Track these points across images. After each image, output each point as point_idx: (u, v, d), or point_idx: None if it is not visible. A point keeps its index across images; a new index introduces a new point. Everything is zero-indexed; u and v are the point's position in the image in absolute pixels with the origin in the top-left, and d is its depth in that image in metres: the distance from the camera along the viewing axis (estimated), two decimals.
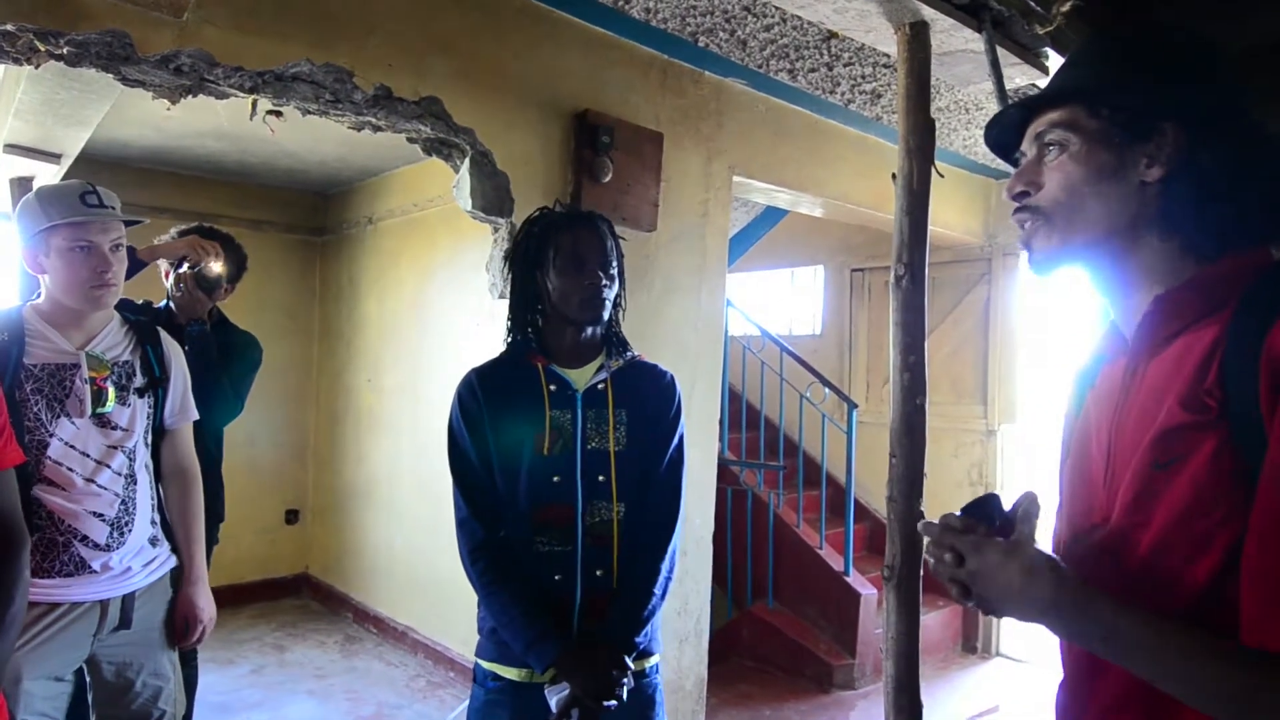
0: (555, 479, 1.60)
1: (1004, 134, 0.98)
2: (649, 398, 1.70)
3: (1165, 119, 0.83)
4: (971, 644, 4.76)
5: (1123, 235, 0.86)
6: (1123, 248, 0.86)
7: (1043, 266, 0.92)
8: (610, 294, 1.66)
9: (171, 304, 2.51)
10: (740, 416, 4.96)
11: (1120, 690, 0.82)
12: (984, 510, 0.87)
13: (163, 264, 2.59)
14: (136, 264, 2.40)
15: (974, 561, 0.82)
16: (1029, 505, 0.84)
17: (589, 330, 1.67)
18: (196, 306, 2.48)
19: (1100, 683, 0.85)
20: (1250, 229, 0.82)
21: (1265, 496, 0.70)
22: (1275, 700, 0.67)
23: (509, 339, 1.70)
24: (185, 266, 2.49)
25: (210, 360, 2.44)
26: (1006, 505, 0.88)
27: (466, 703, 1.75)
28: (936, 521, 0.88)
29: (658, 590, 1.62)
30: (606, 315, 1.67)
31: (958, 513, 0.89)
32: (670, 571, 1.66)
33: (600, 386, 1.66)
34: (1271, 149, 0.83)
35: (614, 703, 1.50)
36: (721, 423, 3.88)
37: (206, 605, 1.95)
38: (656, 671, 1.70)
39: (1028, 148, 0.92)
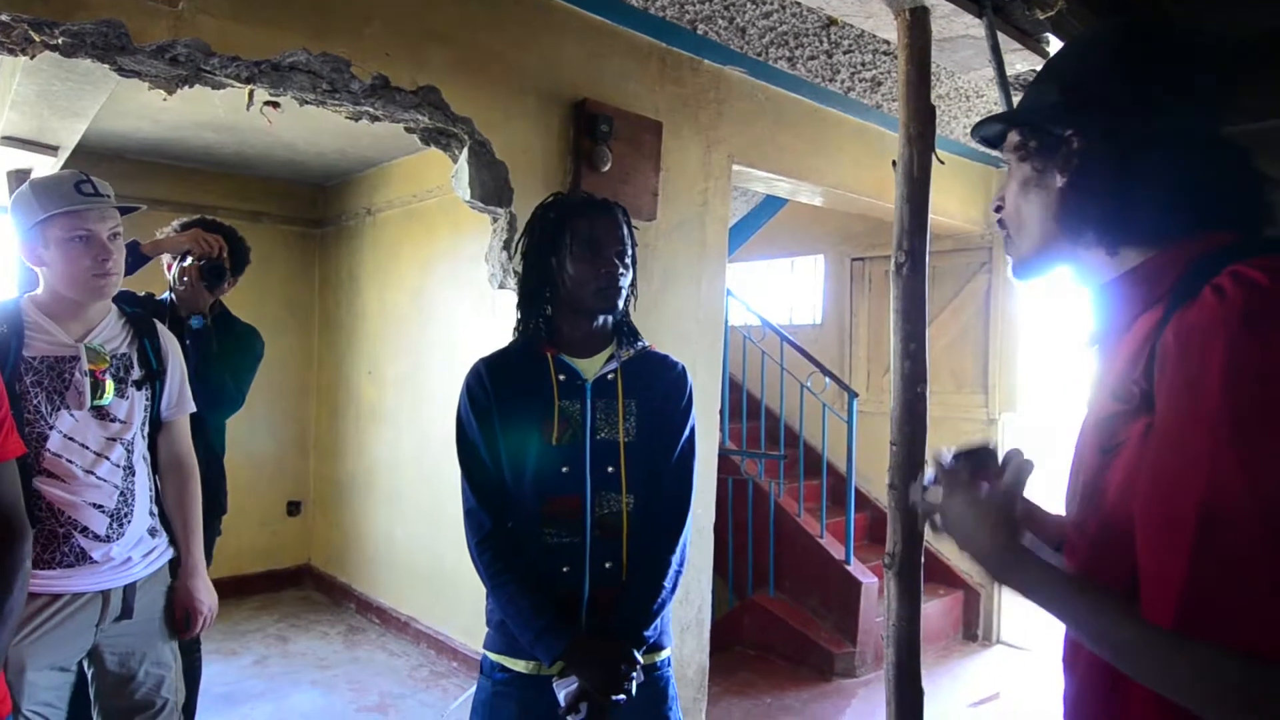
0: (564, 470, 1.57)
1: (991, 140, 1.04)
2: (659, 388, 1.67)
3: (1063, 127, 0.89)
4: (972, 631, 4.78)
5: (1058, 243, 0.93)
6: (1066, 254, 0.93)
7: (1018, 273, 1.01)
8: (626, 282, 1.63)
9: (173, 296, 2.51)
10: (741, 406, 4.96)
11: (1088, 660, 0.85)
12: (976, 458, 0.96)
13: (165, 257, 2.58)
14: (140, 258, 2.40)
15: (945, 500, 0.92)
16: (1018, 463, 0.90)
17: (601, 319, 1.64)
18: (199, 300, 2.47)
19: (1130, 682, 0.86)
20: (1180, 222, 0.84)
21: (1143, 478, 0.75)
22: (1175, 671, 0.70)
23: (519, 327, 1.67)
24: (189, 260, 2.48)
25: (210, 354, 2.42)
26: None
27: (467, 693, 1.74)
28: (943, 451, 0.98)
29: (668, 583, 1.59)
30: (621, 304, 1.64)
31: (954, 454, 0.98)
32: (680, 564, 1.63)
33: (610, 376, 1.63)
34: (1168, 149, 0.86)
35: (623, 697, 1.48)
36: (722, 412, 3.89)
37: (206, 596, 1.95)
38: (668, 665, 1.68)
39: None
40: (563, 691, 1.49)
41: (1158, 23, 0.92)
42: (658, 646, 1.63)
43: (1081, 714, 0.90)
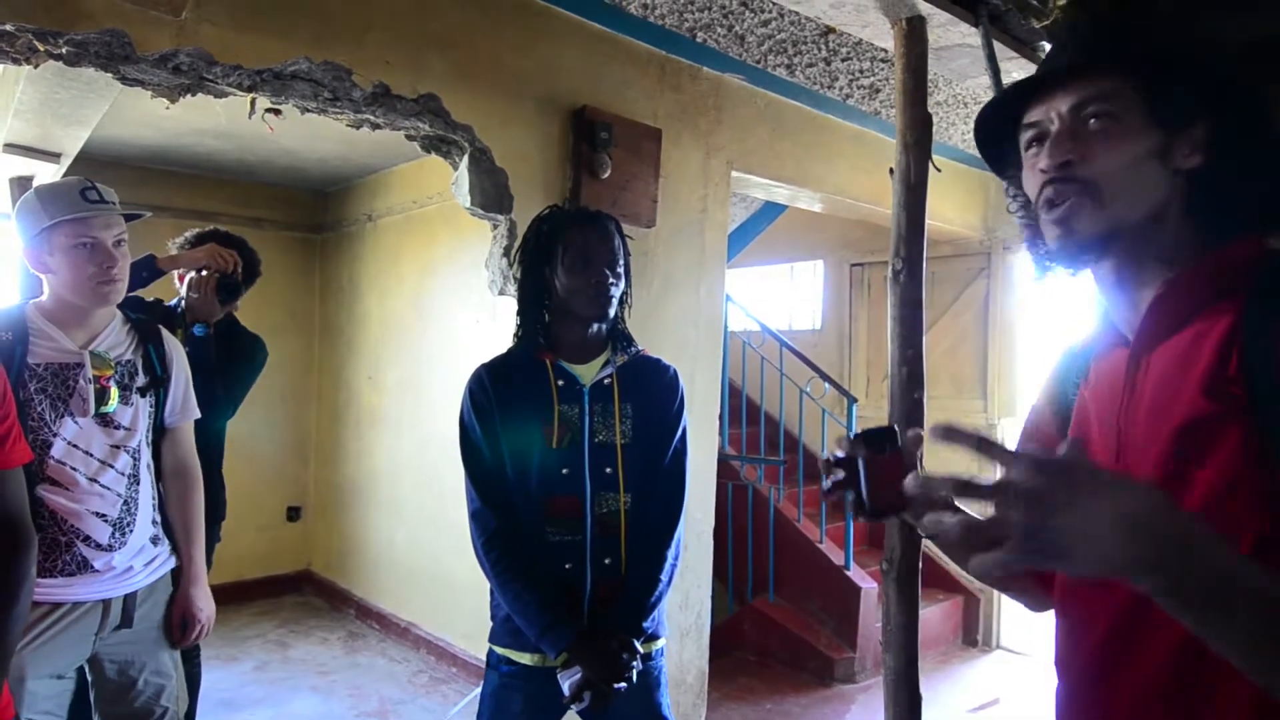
0: (564, 471, 1.65)
1: (997, 125, 0.95)
2: (653, 392, 1.76)
3: (1204, 110, 0.83)
4: (972, 637, 4.78)
5: (1155, 218, 0.84)
6: (1148, 233, 0.84)
7: (1083, 251, 0.85)
8: (617, 292, 1.71)
9: (183, 304, 2.51)
10: (740, 412, 4.96)
11: (1148, 685, 0.78)
12: (881, 438, 0.91)
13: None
14: (155, 272, 2.42)
15: (1072, 496, 0.62)
16: (915, 434, 0.90)
17: (595, 326, 1.72)
18: (210, 311, 2.47)
19: (1122, 678, 0.81)
20: (1256, 219, 0.83)
21: None
22: None
23: (518, 334, 1.75)
24: (204, 272, 2.49)
25: (208, 363, 2.42)
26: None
27: (467, 698, 1.78)
28: (945, 478, 0.70)
29: (664, 577, 1.68)
30: (613, 312, 1.72)
31: (850, 436, 0.93)
32: (675, 559, 1.72)
33: (606, 381, 1.71)
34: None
35: (624, 685, 1.57)
36: (721, 418, 3.89)
37: (205, 604, 1.95)
38: (662, 654, 1.77)
39: (1051, 117, 0.86)
40: (567, 681, 1.57)
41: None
42: (654, 636, 1.72)
43: (1073, 713, 0.89)
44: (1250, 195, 0.83)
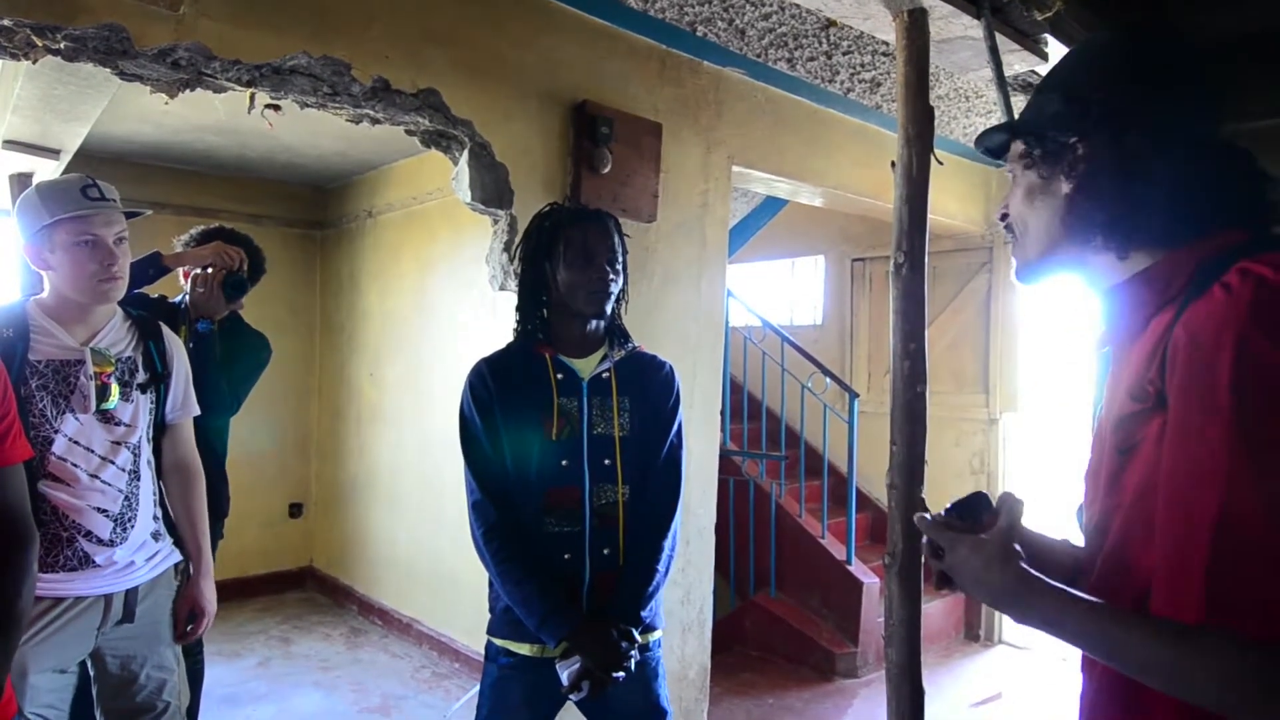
0: (563, 463, 1.68)
1: (994, 151, 1.05)
2: (650, 387, 1.79)
3: (1068, 134, 0.91)
4: (974, 632, 4.78)
5: (1064, 248, 0.94)
6: (1074, 259, 0.94)
7: (1022, 277, 1.02)
8: (615, 288, 1.75)
9: (187, 300, 2.51)
10: (742, 407, 4.96)
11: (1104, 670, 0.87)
12: (970, 507, 0.99)
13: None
14: (161, 270, 2.41)
15: (949, 555, 0.94)
16: (1009, 504, 0.93)
17: (594, 322, 1.76)
18: (215, 308, 2.46)
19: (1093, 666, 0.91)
20: (1188, 223, 0.85)
21: (1161, 475, 0.76)
22: (1193, 668, 0.70)
23: (518, 329, 1.78)
24: (210, 269, 2.48)
25: (212, 359, 2.42)
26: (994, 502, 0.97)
27: (469, 694, 1.79)
28: (928, 517, 0.99)
29: (661, 567, 1.71)
30: (610, 308, 1.76)
31: (946, 508, 1.00)
32: (673, 550, 1.75)
33: (605, 375, 1.75)
34: (1197, 142, 0.87)
35: (622, 674, 1.59)
36: (723, 413, 3.89)
37: (211, 598, 1.97)
38: (659, 645, 1.79)
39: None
40: (565, 671, 1.60)
41: (1158, 26, 0.94)
42: (652, 627, 1.74)
43: (1100, 716, 0.91)
44: (1124, 205, 0.87)
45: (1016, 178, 0.98)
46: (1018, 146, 0.97)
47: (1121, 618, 0.77)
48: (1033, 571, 0.86)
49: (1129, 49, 0.91)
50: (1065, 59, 1.01)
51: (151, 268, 2.38)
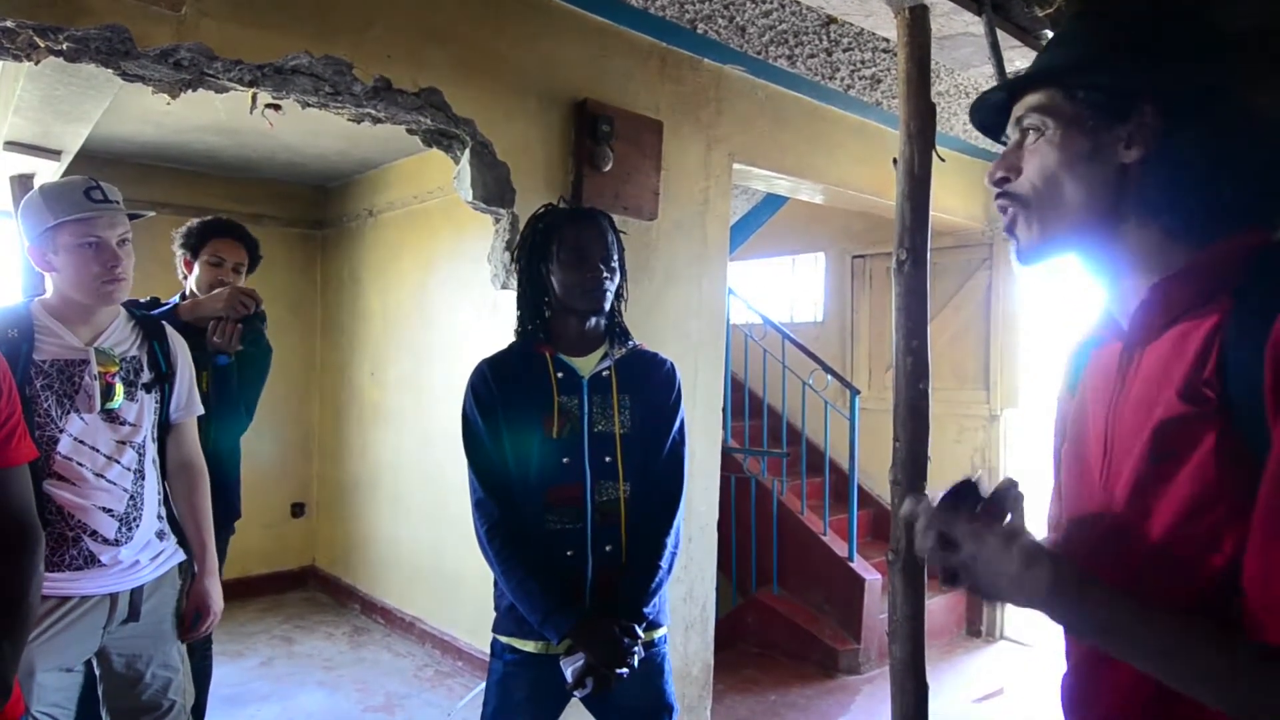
0: (565, 460, 1.69)
1: (988, 115, 0.96)
2: (650, 384, 1.80)
3: (1143, 99, 0.80)
4: (976, 628, 4.79)
5: (1104, 221, 0.83)
6: (1106, 234, 0.84)
7: (1027, 256, 0.89)
8: (611, 286, 1.75)
9: (183, 299, 2.54)
10: (743, 404, 4.97)
11: (1129, 688, 0.81)
12: (964, 495, 0.86)
13: (177, 255, 2.65)
14: (179, 324, 2.42)
15: (971, 547, 0.81)
16: (1015, 492, 0.85)
17: (592, 320, 1.76)
18: (233, 349, 2.51)
19: (1115, 667, 0.83)
20: (1232, 214, 0.79)
21: (1266, 496, 0.68)
22: (1274, 693, 0.66)
23: (519, 329, 1.80)
24: (228, 318, 2.51)
25: (232, 392, 2.52)
26: (985, 491, 0.87)
27: (474, 692, 1.80)
28: (927, 501, 0.86)
29: (664, 564, 1.71)
30: (608, 306, 1.77)
31: (942, 495, 0.87)
32: (675, 547, 1.75)
33: (605, 373, 1.76)
34: (1255, 133, 0.79)
35: (626, 671, 1.59)
36: (725, 411, 3.90)
37: (217, 597, 1.98)
38: (665, 642, 1.80)
39: (1011, 132, 0.90)
40: (570, 668, 1.60)
41: (1205, 4, 0.83)
42: (656, 624, 1.74)
43: (1075, 695, 0.90)
44: (1207, 188, 0.78)
45: (1047, 135, 0.85)
46: (1055, 98, 0.84)
47: (1189, 626, 0.71)
48: (1084, 573, 0.77)
49: (1201, 15, 0.82)
50: (1122, 6, 0.87)
51: (171, 324, 2.39)
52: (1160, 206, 0.80)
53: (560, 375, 1.73)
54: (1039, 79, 0.87)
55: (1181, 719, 0.75)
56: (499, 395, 1.71)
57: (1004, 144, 0.94)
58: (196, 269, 2.60)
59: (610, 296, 1.76)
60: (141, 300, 2.50)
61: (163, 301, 2.58)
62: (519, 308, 1.81)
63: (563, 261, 1.72)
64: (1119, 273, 0.86)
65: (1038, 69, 0.89)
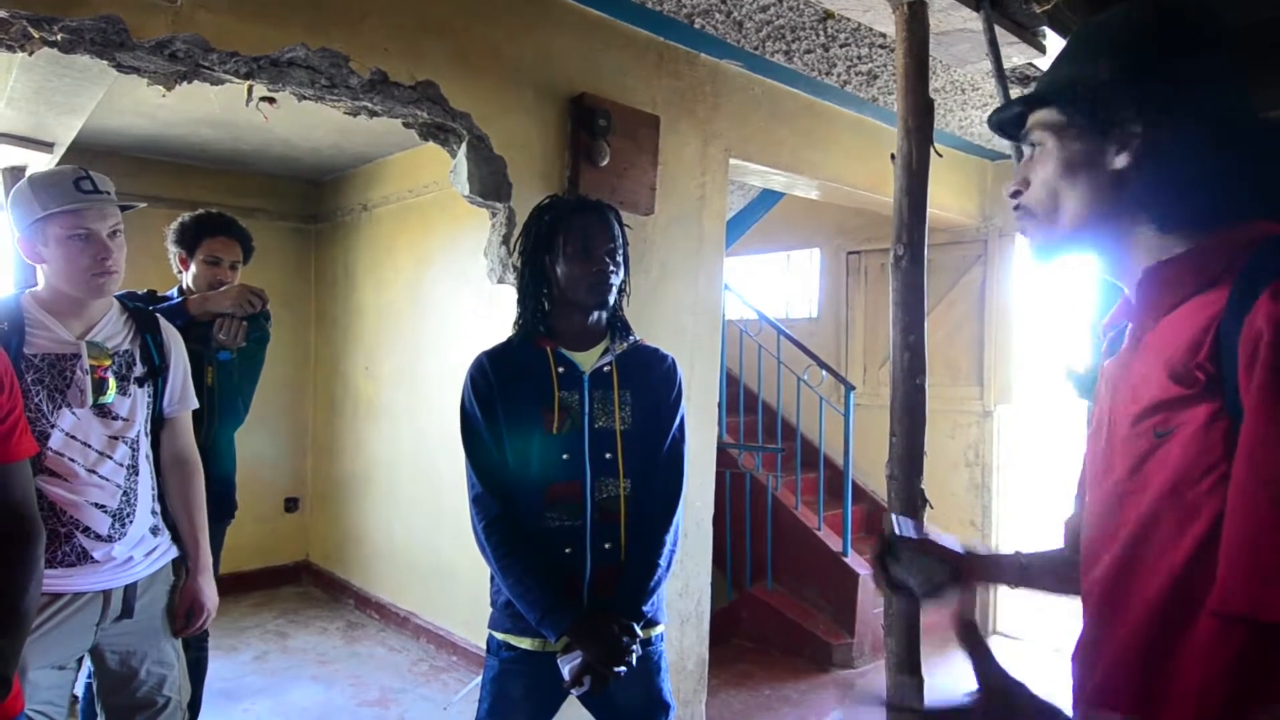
0: (565, 456, 1.67)
1: (1006, 125, 1.01)
2: (652, 380, 1.77)
3: (1125, 106, 0.85)
4: None
5: (1106, 223, 0.89)
6: (1111, 235, 0.89)
7: (1039, 256, 0.97)
8: (616, 280, 1.73)
9: (215, 338, 2.54)
10: (738, 400, 4.97)
11: (1121, 647, 0.85)
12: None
13: (172, 251, 2.65)
14: (188, 319, 2.44)
15: None
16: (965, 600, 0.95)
17: (595, 315, 1.74)
18: (237, 344, 2.53)
19: (1109, 634, 0.87)
20: (1229, 208, 0.83)
21: (1238, 468, 0.72)
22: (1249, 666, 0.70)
23: (519, 322, 1.77)
24: (235, 315, 2.53)
25: (233, 385, 2.55)
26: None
27: (470, 686, 1.79)
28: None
29: (663, 562, 1.70)
30: (612, 301, 1.74)
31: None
32: (674, 545, 1.73)
33: (606, 369, 1.73)
34: (1244, 125, 0.84)
35: (624, 669, 1.58)
36: (720, 406, 3.90)
37: (211, 593, 1.96)
38: (662, 640, 1.79)
39: (1024, 147, 0.97)
40: (567, 666, 1.59)
41: (1186, 6, 0.88)
42: (654, 622, 1.73)
43: (1086, 642, 0.93)
44: (1197, 184, 0.83)
45: (1047, 149, 0.92)
46: (1052, 116, 0.91)
47: None
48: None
49: (1172, 21, 0.86)
50: (1098, 26, 0.94)
51: (179, 319, 2.39)
52: (1156, 206, 0.85)
53: (561, 370, 1.70)
54: (1035, 99, 0.95)
55: (1175, 673, 0.78)
56: (498, 389, 1.68)
57: (1013, 142, 1.00)
58: (193, 267, 2.61)
59: (614, 291, 1.73)
60: (139, 293, 2.49)
61: (160, 294, 2.57)
62: (519, 300, 1.77)
63: (568, 254, 1.69)
64: (1128, 268, 0.91)
65: (1037, 90, 0.97)
